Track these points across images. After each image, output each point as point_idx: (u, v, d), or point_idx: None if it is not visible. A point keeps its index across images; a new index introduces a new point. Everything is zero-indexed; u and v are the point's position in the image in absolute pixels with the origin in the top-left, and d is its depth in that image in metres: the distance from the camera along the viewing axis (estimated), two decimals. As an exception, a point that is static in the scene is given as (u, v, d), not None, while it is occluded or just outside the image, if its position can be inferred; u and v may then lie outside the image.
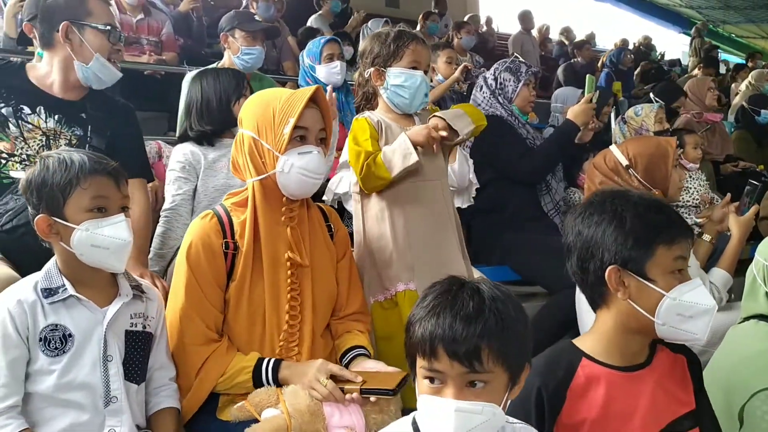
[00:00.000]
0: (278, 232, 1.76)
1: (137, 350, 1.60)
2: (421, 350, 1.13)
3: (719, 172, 4.49)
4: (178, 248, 2.51)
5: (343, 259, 1.92)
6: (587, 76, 3.26)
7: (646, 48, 10.56)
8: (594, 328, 1.46)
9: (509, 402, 1.18)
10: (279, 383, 1.67)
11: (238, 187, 2.56)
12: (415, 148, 2.04)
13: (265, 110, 1.73)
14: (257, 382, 1.67)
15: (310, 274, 1.79)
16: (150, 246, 2.45)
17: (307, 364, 1.67)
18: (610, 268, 1.36)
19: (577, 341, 1.46)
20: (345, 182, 2.51)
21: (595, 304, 1.45)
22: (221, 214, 1.76)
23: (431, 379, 1.13)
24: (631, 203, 1.40)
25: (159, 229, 2.54)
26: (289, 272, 1.74)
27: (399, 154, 2.01)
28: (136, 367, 1.59)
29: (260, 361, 1.68)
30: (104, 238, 1.49)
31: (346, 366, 1.77)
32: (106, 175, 1.52)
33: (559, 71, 7.56)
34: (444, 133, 2.04)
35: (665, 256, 1.35)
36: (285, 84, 4.89)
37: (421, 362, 1.14)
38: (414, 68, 2.16)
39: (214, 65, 3.43)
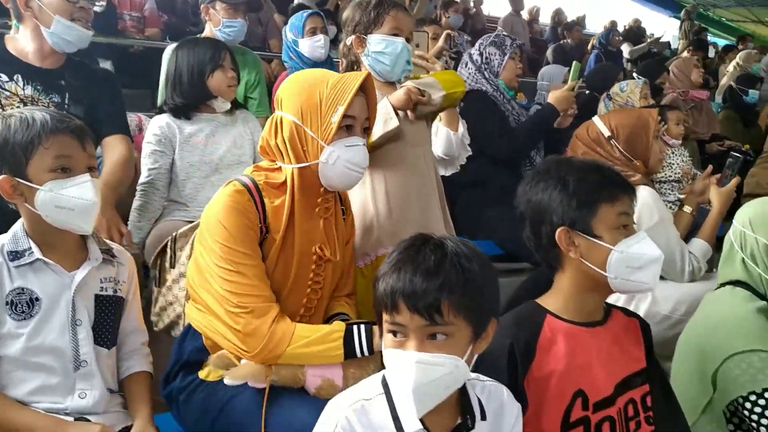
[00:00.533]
0: (311, 223, 1.66)
1: (107, 315, 1.58)
2: (384, 305, 1.15)
3: (704, 151, 4.50)
4: (156, 221, 2.55)
5: (348, 243, 1.83)
6: (573, 62, 3.25)
7: (636, 31, 10.52)
8: (554, 289, 1.53)
9: (476, 357, 1.19)
10: (372, 351, 1.52)
11: (213, 163, 2.59)
12: (397, 114, 2.03)
13: (310, 94, 1.60)
14: (349, 350, 1.52)
15: (332, 267, 1.71)
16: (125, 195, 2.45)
17: None
18: (559, 229, 1.44)
19: (539, 300, 1.53)
20: None
21: (552, 268, 1.52)
22: (254, 194, 1.60)
23: (395, 333, 1.15)
24: (573, 168, 1.48)
25: (136, 203, 2.52)
26: (313, 266, 1.66)
27: (380, 119, 1.99)
28: (106, 331, 1.58)
29: (350, 327, 1.54)
30: (69, 198, 1.46)
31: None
32: (69, 134, 1.48)
33: (549, 52, 7.56)
34: (422, 97, 2.03)
35: (608, 213, 1.43)
36: (271, 61, 4.86)
37: (385, 317, 1.16)
38: (395, 35, 2.14)
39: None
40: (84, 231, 1.54)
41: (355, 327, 1.53)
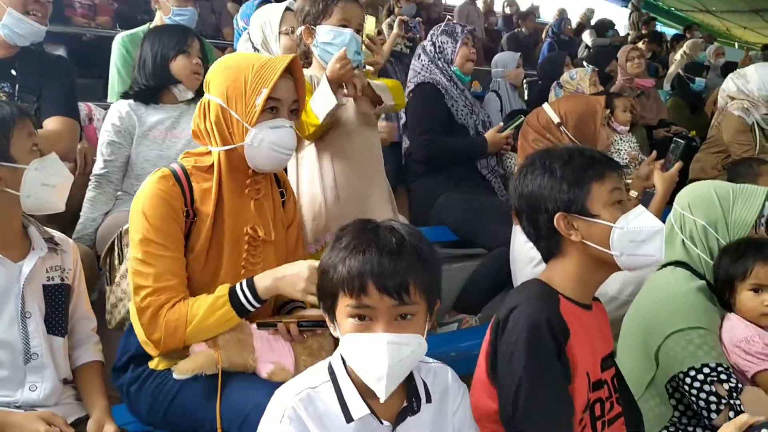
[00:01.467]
0: (241, 204, 1.66)
1: (57, 303, 1.58)
2: (348, 288, 1.15)
3: (652, 137, 4.61)
4: (107, 213, 2.50)
5: (291, 226, 1.84)
6: (517, 115, 3.39)
7: (604, 23, 10.61)
8: (556, 272, 1.51)
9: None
10: (262, 300, 1.56)
11: (171, 158, 2.49)
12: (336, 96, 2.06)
13: (236, 77, 1.61)
14: (239, 309, 1.54)
15: (274, 249, 1.71)
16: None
17: (291, 267, 1.56)
18: (557, 215, 1.44)
19: (546, 281, 1.51)
20: None
21: (552, 255, 1.52)
22: (181, 178, 1.61)
23: (360, 317, 1.17)
24: (556, 155, 1.49)
25: (89, 194, 2.47)
26: (246, 246, 1.65)
27: (319, 100, 2.03)
28: (59, 320, 1.57)
29: (233, 288, 1.55)
30: (52, 176, 1.50)
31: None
32: (29, 117, 1.53)
33: (503, 40, 7.64)
34: (351, 68, 2.06)
35: (600, 190, 1.44)
36: (224, 50, 4.81)
37: (347, 301, 1.16)
38: (344, 26, 2.16)
39: (145, 26, 3.34)
40: (59, 209, 1.56)
41: (237, 285, 1.55)
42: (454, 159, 3.22)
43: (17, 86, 2.20)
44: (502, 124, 3.44)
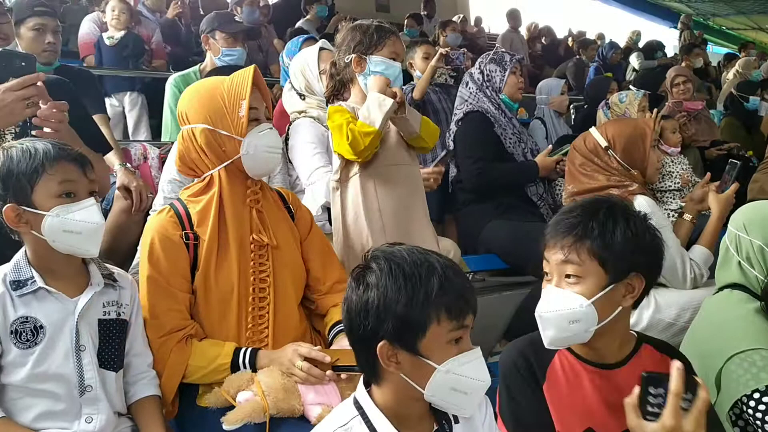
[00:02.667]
0: (243, 215, 1.77)
1: (112, 338, 1.60)
2: (452, 310, 1.15)
3: (706, 159, 4.48)
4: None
5: (309, 236, 1.93)
6: (565, 145, 3.34)
7: (654, 45, 10.44)
8: None
9: None
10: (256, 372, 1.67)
11: None
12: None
13: (211, 100, 1.73)
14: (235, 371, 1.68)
15: (279, 255, 1.80)
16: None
17: (281, 350, 1.68)
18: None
19: None
20: (320, 189, 2.49)
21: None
22: (177, 206, 1.77)
23: (456, 340, 1.17)
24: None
25: None
26: (253, 254, 1.75)
27: (374, 106, 2.06)
28: (112, 354, 1.60)
29: (236, 354, 1.69)
30: (76, 222, 1.49)
31: (330, 342, 1.80)
32: (71, 161, 1.52)
33: (562, 67, 7.55)
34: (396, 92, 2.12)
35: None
36: (272, 86, 4.93)
37: (447, 326, 1.15)
38: (393, 59, 2.21)
39: (196, 67, 3.46)
40: (90, 254, 1.57)
41: (240, 355, 1.68)
42: (507, 185, 3.20)
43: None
44: (551, 147, 3.40)
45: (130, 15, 4.77)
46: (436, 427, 1.25)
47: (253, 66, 1.79)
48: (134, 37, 4.82)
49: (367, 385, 1.24)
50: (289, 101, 2.86)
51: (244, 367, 1.67)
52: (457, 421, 1.27)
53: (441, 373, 1.15)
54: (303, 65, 2.76)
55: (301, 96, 2.76)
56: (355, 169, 2.17)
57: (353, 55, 2.22)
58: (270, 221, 1.82)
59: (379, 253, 1.20)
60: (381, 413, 1.20)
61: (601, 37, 10.52)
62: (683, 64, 6.76)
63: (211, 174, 1.76)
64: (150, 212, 2.57)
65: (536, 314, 1.43)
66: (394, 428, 1.19)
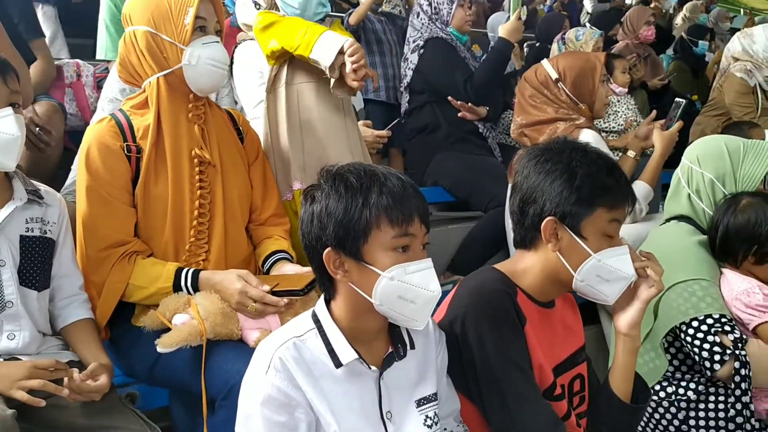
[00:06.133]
0: (185, 130, 1.69)
1: (34, 256, 1.52)
2: (393, 217, 1.15)
3: (653, 101, 4.53)
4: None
5: (255, 162, 1.87)
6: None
7: None
8: (520, 264, 1.45)
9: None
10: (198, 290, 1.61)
11: None
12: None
13: (158, 3, 1.64)
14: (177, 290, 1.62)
15: (219, 173, 1.73)
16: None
17: (225, 277, 1.60)
18: (548, 218, 1.36)
19: (505, 272, 1.45)
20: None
21: (523, 245, 1.45)
22: (119, 117, 1.68)
23: (403, 248, 1.17)
24: (586, 161, 1.37)
25: None
26: (197, 170, 1.69)
27: (328, 46, 1.88)
28: (33, 272, 1.52)
29: (178, 275, 1.62)
30: None
31: (267, 271, 1.76)
32: None
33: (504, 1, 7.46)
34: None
35: (602, 218, 1.35)
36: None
37: (389, 233, 1.15)
38: None
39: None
40: (6, 167, 1.48)
41: (182, 272, 1.61)
42: (497, 81, 3.19)
43: None
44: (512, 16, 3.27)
45: None
46: (390, 349, 1.25)
47: None
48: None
49: (327, 302, 1.25)
50: (242, 10, 2.72)
51: (186, 290, 1.61)
52: (413, 346, 1.27)
53: (386, 280, 1.15)
54: None
55: (257, 5, 2.62)
56: (283, 80, 2.06)
57: None
58: (217, 139, 1.75)
59: (329, 170, 1.22)
60: (337, 328, 1.20)
61: None
62: (653, 5, 6.79)
63: (150, 82, 1.67)
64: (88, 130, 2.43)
65: (628, 276, 1.37)
66: (349, 344, 1.19)
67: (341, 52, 1.85)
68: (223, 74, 1.71)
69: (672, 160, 2.45)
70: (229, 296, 1.56)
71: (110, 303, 1.63)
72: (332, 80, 1.91)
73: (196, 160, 1.69)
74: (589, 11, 8.23)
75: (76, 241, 1.66)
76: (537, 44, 4.76)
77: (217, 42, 1.70)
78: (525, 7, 3.19)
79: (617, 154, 2.96)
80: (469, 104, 3.12)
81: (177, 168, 1.67)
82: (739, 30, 6.68)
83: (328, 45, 1.87)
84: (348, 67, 1.83)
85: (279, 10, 2.15)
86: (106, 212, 1.62)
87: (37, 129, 2.22)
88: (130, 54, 1.69)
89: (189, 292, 1.61)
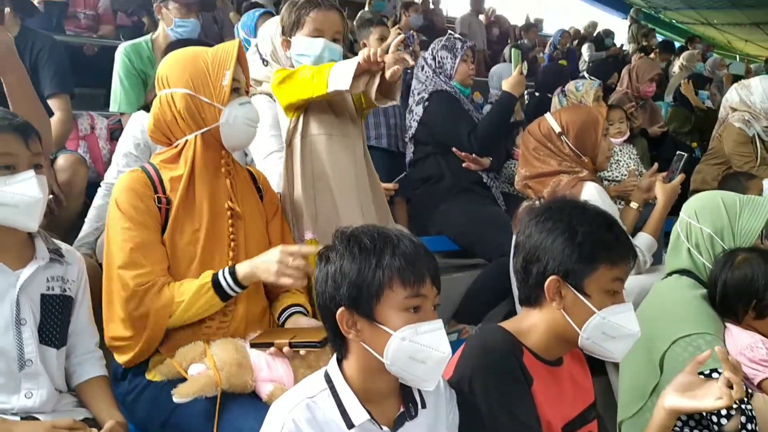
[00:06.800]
0: (217, 184, 1.75)
1: (54, 314, 1.56)
2: (405, 278, 1.18)
3: (653, 149, 4.60)
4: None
5: (274, 219, 1.92)
6: (512, 50, 3.37)
7: (602, 35, 10.64)
8: (525, 322, 1.47)
9: None
10: (243, 285, 1.64)
11: None
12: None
13: (195, 66, 1.72)
14: (222, 294, 1.63)
15: (243, 226, 1.78)
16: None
17: (264, 257, 1.63)
18: (551, 277, 1.39)
19: (511, 330, 1.47)
20: (276, 174, 2.39)
21: (527, 303, 1.48)
22: (149, 169, 1.73)
23: (414, 308, 1.19)
24: (586, 218, 1.42)
25: (97, 201, 2.45)
26: (230, 221, 1.74)
27: (342, 71, 1.94)
28: (53, 330, 1.55)
29: (215, 275, 1.63)
30: (13, 195, 1.45)
31: (282, 324, 1.78)
32: (12, 132, 1.46)
33: (506, 50, 7.64)
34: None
35: (605, 275, 1.38)
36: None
37: (401, 293, 1.18)
38: (317, 36, 2.13)
39: (147, 36, 3.35)
40: (29, 228, 1.52)
41: (219, 272, 1.63)
42: (499, 134, 3.27)
43: None
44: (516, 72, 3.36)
45: None
46: (402, 409, 1.27)
47: (238, 39, 1.79)
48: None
49: (339, 361, 1.27)
50: (251, 66, 2.80)
51: (226, 282, 1.62)
52: (424, 405, 1.29)
53: (397, 340, 1.17)
54: (273, 32, 2.70)
55: (264, 62, 2.70)
56: (299, 132, 2.12)
57: (280, 39, 2.22)
58: (240, 195, 1.80)
59: (343, 232, 1.26)
60: (349, 388, 1.22)
61: (539, 21, 10.67)
62: (652, 56, 6.93)
63: (186, 140, 1.73)
64: (101, 184, 2.49)
65: (633, 333, 1.41)
66: (361, 404, 1.21)
67: (359, 73, 1.92)
68: (255, 132, 1.81)
69: (675, 209, 2.50)
70: (269, 264, 1.60)
71: (160, 328, 1.62)
72: (373, 93, 1.96)
73: (228, 213, 1.74)
74: (587, 59, 8.43)
75: (103, 290, 1.65)
76: (537, 94, 4.86)
77: (250, 102, 1.79)
78: (526, 62, 3.27)
79: (619, 204, 3.00)
80: (474, 155, 3.18)
81: (212, 221, 1.71)
82: (741, 77, 6.84)
83: (341, 70, 1.94)
84: (389, 59, 1.90)
85: (293, 66, 2.20)
86: (144, 248, 1.63)
87: (51, 195, 2.25)
88: (165, 114, 1.73)
89: (229, 285, 1.62)
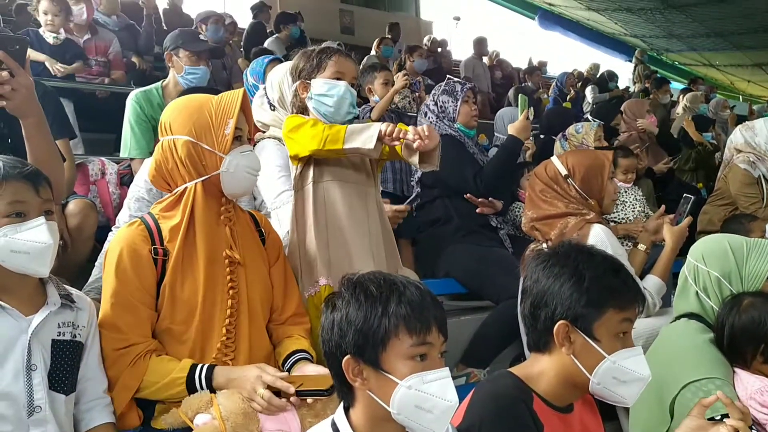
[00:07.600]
0: (216, 231, 1.77)
1: (64, 360, 1.56)
2: (411, 326, 1.18)
3: (659, 189, 4.62)
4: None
5: (276, 263, 1.93)
6: (519, 95, 3.41)
7: (606, 76, 10.77)
8: (535, 368, 1.48)
9: None
10: (214, 390, 1.64)
11: None
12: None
13: (200, 114, 1.75)
14: (192, 392, 1.64)
15: (244, 273, 1.79)
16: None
17: (242, 372, 1.64)
18: (560, 322, 1.40)
19: (521, 375, 1.47)
20: (286, 214, 2.40)
21: (536, 348, 1.48)
22: (148, 221, 1.76)
23: (421, 356, 1.19)
24: (593, 263, 1.43)
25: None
26: (228, 269, 1.75)
27: (364, 133, 1.99)
28: (63, 376, 1.55)
29: (193, 369, 1.65)
30: (24, 242, 1.47)
31: (288, 371, 1.77)
32: (22, 180, 1.49)
33: (510, 93, 7.73)
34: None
35: (613, 319, 1.39)
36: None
37: (407, 341, 1.18)
38: (338, 79, 2.18)
39: (158, 83, 3.42)
40: (40, 274, 1.54)
41: (196, 372, 1.64)
42: (504, 177, 3.29)
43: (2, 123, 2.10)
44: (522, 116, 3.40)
45: (65, 17, 4.46)
46: None
47: (242, 89, 1.82)
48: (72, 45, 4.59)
49: (346, 410, 1.27)
50: (258, 110, 2.85)
51: (200, 383, 1.63)
52: None
53: (404, 389, 1.17)
54: (282, 78, 2.75)
55: (272, 107, 2.74)
56: (310, 178, 2.15)
57: (297, 82, 2.24)
58: (242, 240, 1.82)
59: (350, 279, 1.26)
60: None
61: (543, 64, 10.80)
62: (650, 98, 7.00)
63: (186, 187, 1.75)
64: (113, 228, 2.52)
65: (644, 377, 1.42)
66: None
67: (380, 139, 1.96)
68: (255, 181, 1.83)
69: (683, 250, 2.50)
70: (244, 385, 1.59)
71: (122, 399, 1.65)
72: (416, 160, 1.99)
73: (227, 261, 1.75)
74: (591, 101, 8.52)
75: None
76: (542, 136, 4.90)
77: (252, 151, 1.82)
78: (533, 107, 3.31)
79: (627, 245, 3.01)
80: (489, 198, 3.19)
81: (210, 270, 1.72)
82: (745, 117, 6.89)
83: (361, 132, 1.99)
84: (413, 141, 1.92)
85: (307, 112, 2.23)
86: (128, 315, 1.67)
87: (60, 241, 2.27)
88: (167, 160, 1.77)
89: (202, 387, 1.63)
